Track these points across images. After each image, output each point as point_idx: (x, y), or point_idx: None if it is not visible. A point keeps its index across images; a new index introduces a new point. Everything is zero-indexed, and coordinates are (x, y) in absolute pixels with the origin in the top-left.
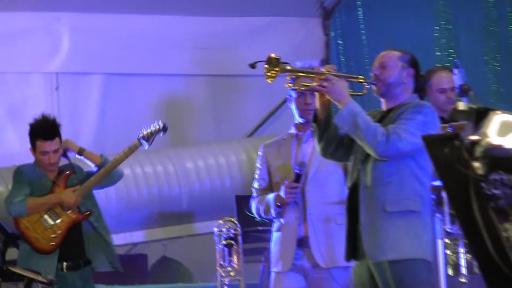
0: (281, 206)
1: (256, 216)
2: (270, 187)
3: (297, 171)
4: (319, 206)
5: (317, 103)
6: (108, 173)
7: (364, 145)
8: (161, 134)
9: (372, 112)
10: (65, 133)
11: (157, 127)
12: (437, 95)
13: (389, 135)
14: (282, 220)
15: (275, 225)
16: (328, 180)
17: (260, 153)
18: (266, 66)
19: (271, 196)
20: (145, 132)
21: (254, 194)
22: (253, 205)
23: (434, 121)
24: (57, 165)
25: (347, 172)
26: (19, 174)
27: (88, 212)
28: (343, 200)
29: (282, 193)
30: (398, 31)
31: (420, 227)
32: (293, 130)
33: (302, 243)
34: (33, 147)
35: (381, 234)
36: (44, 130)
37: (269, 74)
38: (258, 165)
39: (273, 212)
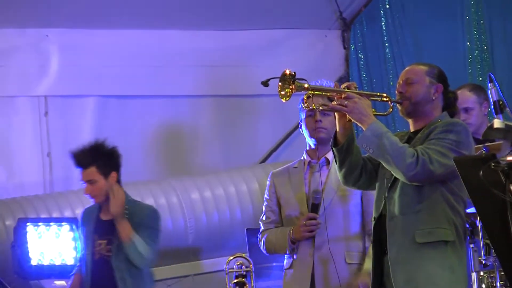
0: (295, 242)
1: (265, 252)
2: (280, 220)
3: (315, 202)
4: (332, 242)
5: (337, 125)
6: None
7: (392, 169)
8: None
9: (398, 133)
10: (56, 163)
11: None
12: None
13: (418, 156)
14: (294, 256)
15: (286, 262)
16: (344, 212)
17: (268, 182)
18: (280, 83)
19: (285, 231)
20: None
21: (262, 228)
22: (262, 240)
23: (468, 141)
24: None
25: (363, 200)
26: None
27: None
28: (359, 234)
29: (297, 228)
30: (426, 43)
31: (454, 259)
32: (304, 157)
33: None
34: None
35: (412, 268)
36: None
37: (283, 92)
38: (266, 196)
39: (288, 249)
